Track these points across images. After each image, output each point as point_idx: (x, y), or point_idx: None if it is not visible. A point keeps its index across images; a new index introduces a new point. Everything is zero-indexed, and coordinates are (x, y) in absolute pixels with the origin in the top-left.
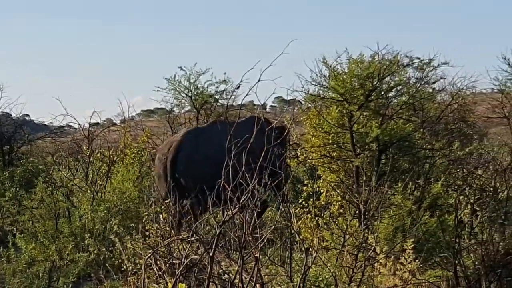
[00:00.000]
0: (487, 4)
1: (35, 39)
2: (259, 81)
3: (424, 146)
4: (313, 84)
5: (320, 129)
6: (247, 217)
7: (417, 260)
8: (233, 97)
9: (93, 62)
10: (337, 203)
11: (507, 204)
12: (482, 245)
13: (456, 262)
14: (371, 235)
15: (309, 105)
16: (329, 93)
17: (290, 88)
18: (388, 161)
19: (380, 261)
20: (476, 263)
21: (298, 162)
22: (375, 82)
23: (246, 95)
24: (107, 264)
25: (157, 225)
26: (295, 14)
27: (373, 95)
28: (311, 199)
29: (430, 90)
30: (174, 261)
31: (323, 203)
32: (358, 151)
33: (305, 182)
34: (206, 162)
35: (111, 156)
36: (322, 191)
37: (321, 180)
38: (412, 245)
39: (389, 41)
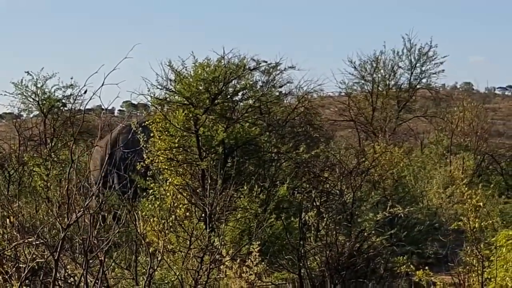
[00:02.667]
0: (333, 7)
1: None
2: (102, 85)
3: (270, 149)
4: (159, 88)
5: (166, 132)
6: (92, 220)
7: (263, 263)
8: (80, 101)
9: None
10: (184, 206)
11: (353, 206)
12: (327, 247)
13: (301, 264)
14: (217, 238)
15: (156, 109)
16: (175, 97)
17: (136, 91)
18: (234, 164)
19: (226, 263)
20: (321, 265)
21: (144, 165)
22: (221, 86)
23: (90, 99)
24: None
25: (3, 229)
26: (149, 18)
27: (219, 99)
28: (158, 202)
29: (277, 94)
30: (20, 265)
31: (169, 206)
32: (204, 155)
33: (151, 185)
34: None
35: None
36: (168, 194)
37: (168, 183)
38: (258, 248)
39: (236, 45)
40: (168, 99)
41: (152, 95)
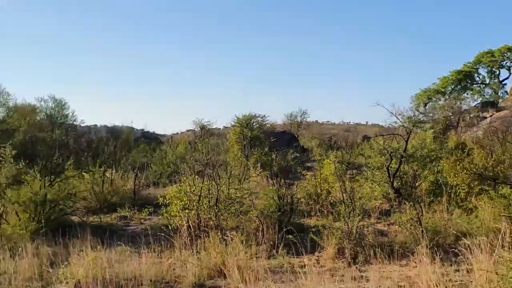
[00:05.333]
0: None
1: None
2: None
3: (262, 139)
4: (233, 123)
5: (234, 134)
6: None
7: (261, 170)
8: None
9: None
10: (239, 154)
11: (287, 154)
12: (279, 165)
13: (272, 170)
14: (248, 162)
15: (232, 127)
16: (237, 125)
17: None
18: (253, 143)
19: (251, 170)
20: (278, 170)
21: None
22: (248, 122)
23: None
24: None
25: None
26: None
27: (249, 125)
28: (232, 154)
29: (264, 124)
30: (194, 170)
31: (235, 154)
32: (244, 140)
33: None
34: None
35: (176, 143)
36: (235, 151)
37: (236, 148)
38: (260, 165)
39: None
40: (234, 125)
41: (232, 125)
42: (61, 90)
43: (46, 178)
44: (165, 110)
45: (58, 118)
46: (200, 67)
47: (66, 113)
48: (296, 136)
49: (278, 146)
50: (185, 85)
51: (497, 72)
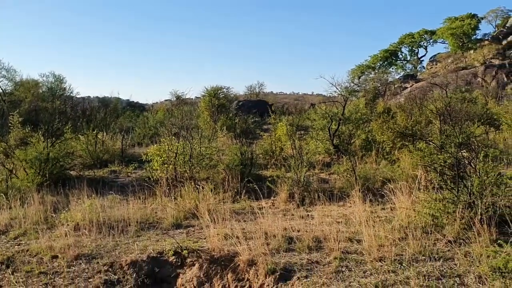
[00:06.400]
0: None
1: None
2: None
3: (228, 106)
4: (203, 93)
5: (204, 102)
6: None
7: (227, 132)
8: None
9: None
10: (208, 118)
11: (247, 122)
12: (242, 126)
13: (236, 132)
14: (216, 125)
15: (203, 98)
16: (206, 95)
17: (201, 93)
18: (219, 109)
19: (219, 133)
20: (241, 132)
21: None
22: (216, 92)
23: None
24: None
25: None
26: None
27: (216, 95)
28: (201, 118)
29: (229, 94)
30: (171, 132)
31: (205, 118)
32: (213, 107)
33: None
34: None
35: (156, 110)
36: (205, 116)
37: (205, 114)
38: (226, 128)
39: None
40: (204, 95)
41: (202, 95)
42: (60, 66)
43: (48, 140)
44: (146, 83)
45: (58, 91)
46: (174, 46)
47: (64, 86)
48: (269, 103)
49: (241, 112)
50: (163, 61)
51: (416, 51)
